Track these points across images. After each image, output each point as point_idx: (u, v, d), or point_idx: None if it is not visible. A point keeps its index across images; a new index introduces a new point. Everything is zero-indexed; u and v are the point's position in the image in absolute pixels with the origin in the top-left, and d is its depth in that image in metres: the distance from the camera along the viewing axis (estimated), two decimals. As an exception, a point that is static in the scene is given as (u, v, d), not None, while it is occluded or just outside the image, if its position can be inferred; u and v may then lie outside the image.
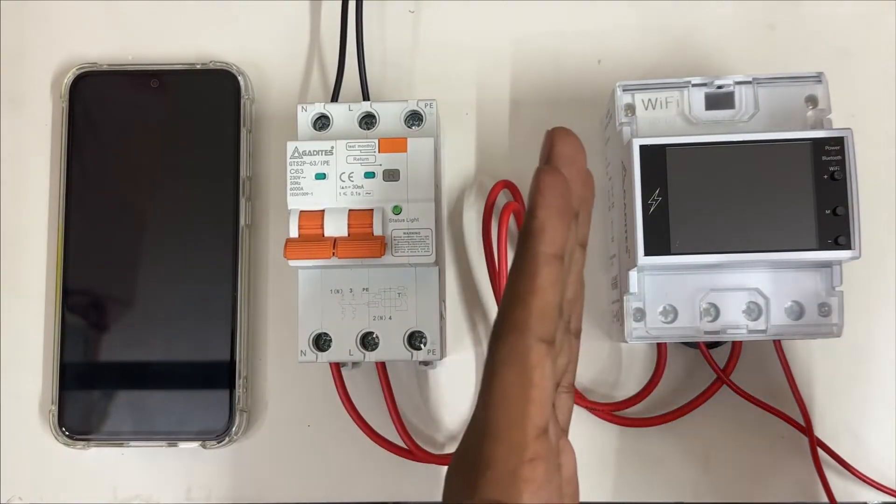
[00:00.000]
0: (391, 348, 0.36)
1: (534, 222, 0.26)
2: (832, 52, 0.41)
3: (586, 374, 0.40)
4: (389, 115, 0.37)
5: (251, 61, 0.42)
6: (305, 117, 0.38)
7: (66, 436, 0.39)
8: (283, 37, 0.42)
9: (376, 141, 0.36)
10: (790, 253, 0.33)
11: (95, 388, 0.39)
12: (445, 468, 0.39)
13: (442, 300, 0.38)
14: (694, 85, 0.35)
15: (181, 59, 0.42)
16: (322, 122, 0.38)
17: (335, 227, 0.35)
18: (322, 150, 0.36)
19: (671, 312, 0.35)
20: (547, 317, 0.25)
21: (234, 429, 0.39)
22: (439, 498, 0.39)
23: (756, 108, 0.35)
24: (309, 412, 0.40)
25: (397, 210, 0.36)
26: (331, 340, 0.36)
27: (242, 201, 0.40)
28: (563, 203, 0.26)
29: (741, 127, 0.35)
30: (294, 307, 0.37)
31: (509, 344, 0.25)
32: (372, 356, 0.36)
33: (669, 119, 0.36)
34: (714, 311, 0.35)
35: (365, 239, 0.35)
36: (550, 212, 0.26)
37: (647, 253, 0.33)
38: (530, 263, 0.25)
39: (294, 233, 0.36)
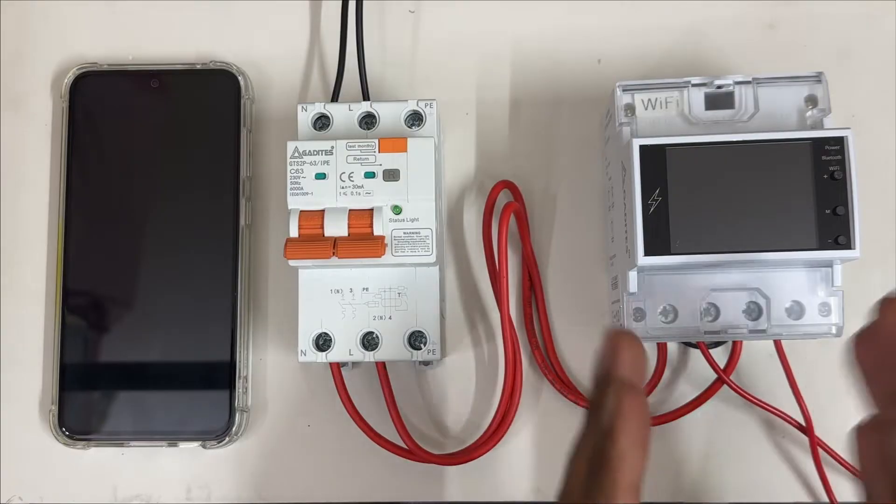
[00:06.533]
0: (392, 348, 0.36)
1: (614, 449, 0.24)
2: (832, 52, 0.41)
3: (587, 374, 0.40)
4: (389, 115, 0.37)
5: (251, 61, 0.42)
6: (305, 117, 0.38)
7: (66, 436, 0.39)
8: (283, 37, 0.42)
9: (376, 141, 0.36)
10: (790, 253, 0.32)
11: (95, 388, 0.39)
12: (445, 468, 0.39)
13: (442, 300, 0.38)
14: (694, 85, 0.35)
15: (181, 59, 0.42)
16: (322, 122, 0.38)
17: (335, 227, 0.35)
18: (322, 150, 0.36)
19: (671, 312, 0.35)
20: None
21: (234, 429, 0.39)
22: (439, 498, 0.39)
23: (756, 108, 0.35)
24: (309, 412, 0.40)
25: (397, 210, 0.36)
26: (331, 340, 0.36)
27: (242, 201, 0.40)
28: (645, 431, 0.25)
29: (741, 127, 0.35)
30: (294, 307, 0.37)
31: None
32: (372, 356, 0.36)
33: (669, 119, 0.35)
34: (714, 311, 0.35)
35: (365, 239, 0.35)
36: (634, 440, 0.24)
37: (647, 253, 0.33)
38: (610, 492, 0.24)
39: (294, 233, 0.36)
